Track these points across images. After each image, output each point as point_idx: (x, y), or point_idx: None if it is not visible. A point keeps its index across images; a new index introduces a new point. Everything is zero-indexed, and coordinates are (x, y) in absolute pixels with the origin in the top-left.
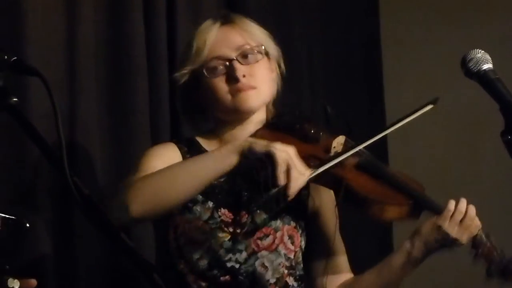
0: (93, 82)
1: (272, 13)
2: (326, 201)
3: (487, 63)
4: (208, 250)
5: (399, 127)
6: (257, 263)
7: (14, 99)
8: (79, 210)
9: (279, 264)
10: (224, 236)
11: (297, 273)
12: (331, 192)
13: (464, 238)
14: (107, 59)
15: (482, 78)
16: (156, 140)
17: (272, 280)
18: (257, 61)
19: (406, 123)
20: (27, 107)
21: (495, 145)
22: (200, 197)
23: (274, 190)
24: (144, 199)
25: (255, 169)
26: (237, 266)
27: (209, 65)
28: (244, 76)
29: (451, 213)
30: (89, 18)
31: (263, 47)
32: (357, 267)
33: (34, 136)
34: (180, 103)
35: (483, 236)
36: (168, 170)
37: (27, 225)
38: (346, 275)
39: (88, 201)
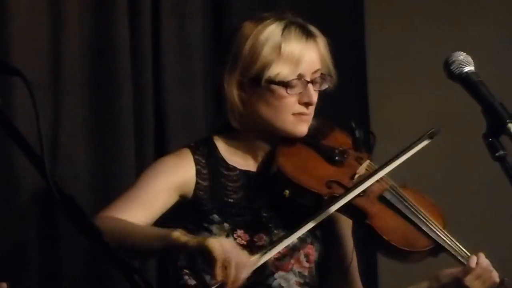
0: (78, 84)
1: (259, 10)
2: (344, 225)
3: (469, 65)
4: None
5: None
6: (274, 283)
7: None
8: (60, 210)
9: (294, 283)
10: None
11: (311, 286)
12: None
13: None
14: (91, 61)
15: (464, 80)
16: (140, 142)
17: None
18: (320, 90)
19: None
20: (11, 108)
21: (478, 147)
22: (217, 217)
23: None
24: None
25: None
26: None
27: (291, 82)
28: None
29: (472, 270)
30: (73, 20)
31: (330, 77)
32: None
33: (16, 136)
34: (230, 105)
35: (500, 286)
36: (121, 231)
37: None
38: None
39: (69, 202)
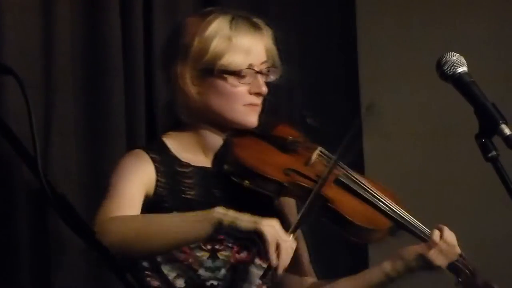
0: (69, 83)
1: (249, 11)
2: (288, 205)
3: (462, 66)
4: (187, 269)
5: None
6: (235, 277)
7: None
8: (52, 209)
9: (255, 276)
10: (203, 255)
11: (270, 282)
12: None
13: (445, 264)
14: (83, 59)
15: (457, 81)
16: (132, 141)
17: None
18: (267, 81)
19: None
20: (2, 106)
21: (470, 147)
22: (177, 214)
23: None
24: (110, 245)
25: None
26: (216, 283)
27: (243, 71)
28: None
29: (436, 244)
30: (65, 18)
31: (277, 69)
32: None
33: (8, 135)
34: (182, 98)
35: (460, 259)
36: (141, 223)
37: None
38: (313, 279)
39: (61, 201)
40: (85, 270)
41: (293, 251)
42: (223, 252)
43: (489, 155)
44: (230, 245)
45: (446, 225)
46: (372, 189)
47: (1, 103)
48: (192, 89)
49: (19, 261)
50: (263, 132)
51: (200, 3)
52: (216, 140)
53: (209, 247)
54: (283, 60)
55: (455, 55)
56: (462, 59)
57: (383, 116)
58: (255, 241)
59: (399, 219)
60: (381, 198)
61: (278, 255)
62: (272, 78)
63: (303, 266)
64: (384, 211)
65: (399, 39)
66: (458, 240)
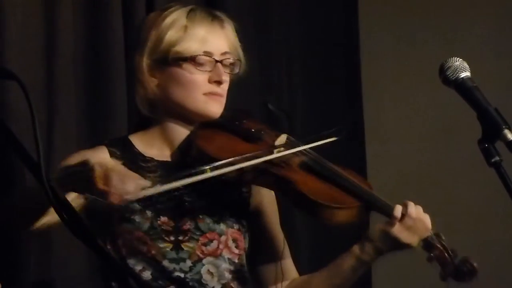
0: (72, 86)
1: (252, 16)
2: (267, 198)
3: (465, 71)
4: (150, 261)
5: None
6: (202, 270)
7: None
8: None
9: (225, 270)
10: (166, 246)
11: (242, 276)
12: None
13: (415, 241)
14: (85, 63)
15: (459, 86)
16: None
17: (218, 286)
18: (231, 73)
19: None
20: (5, 111)
21: (473, 152)
22: (138, 206)
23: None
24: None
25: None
26: (182, 275)
27: (199, 58)
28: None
29: (398, 219)
30: (68, 22)
31: (240, 62)
32: None
33: (10, 139)
34: (142, 91)
35: (434, 237)
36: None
37: None
38: (292, 275)
39: (64, 206)
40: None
41: (132, 183)
42: (187, 244)
43: (492, 160)
44: (195, 237)
45: (450, 231)
46: (339, 171)
47: (4, 108)
48: (150, 81)
49: (22, 264)
50: (227, 124)
51: (202, 4)
52: (182, 133)
53: (172, 238)
54: (245, 53)
55: (458, 60)
56: (465, 64)
57: (385, 122)
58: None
59: (366, 197)
60: (348, 178)
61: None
62: (235, 70)
63: (289, 268)
64: (351, 190)
65: (402, 43)
66: (459, 242)
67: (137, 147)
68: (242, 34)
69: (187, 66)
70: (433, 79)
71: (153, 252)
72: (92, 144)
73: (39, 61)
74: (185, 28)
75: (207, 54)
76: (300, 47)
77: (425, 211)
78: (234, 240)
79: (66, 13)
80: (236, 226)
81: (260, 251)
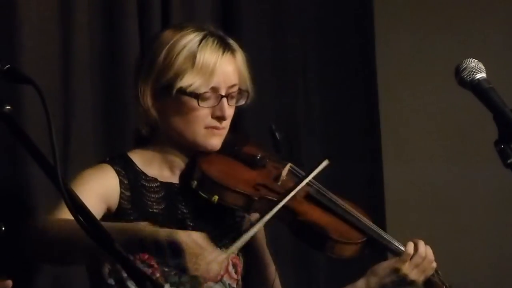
0: (88, 91)
1: (267, 21)
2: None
3: (481, 72)
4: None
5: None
6: None
7: (8, 107)
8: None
9: None
10: (170, 270)
11: None
12: None
13: (421, 279)
14: (101, 67)
15: (475, 87)
16: None
17: None
18: (237, 105)
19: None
20: (21, 115)
21: (489, 153)
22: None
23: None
24: (43, 241)
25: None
26: None
27: (204, 94)
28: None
29: (410, 257)
30: (83, 26)
31: (247, 94)
32: None
33: (27, 144)
34: (143, 113)
35: (435, 274)
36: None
37: (3, 228)
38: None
39: (81, 210)
40: None
41: (221, 267)
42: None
43: (509, 161)
44: None
45: (464, 232)
46: (344, 205)
47: (21, 112)
48: (152, 107)
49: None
50: (231, 149)
51: (218, 9)
52: (181, 157)
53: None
54: (255, 84)
55: (474, 61)
56: (481, 65)
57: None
58: (176, 255)
59: (371, 233)
60: (353, 213)
61: (196, 265)
62: (241, 102)
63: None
64: (356, 225)
65: (417, 45)
66: (478, 260)
67: (138, 165)
68: (252, 38)
69: (190, 101)
70: (449, 81)
71: (157, 275)
72: (108, 149)
73: (55, 65)
74: (194, 57)
75: (213, 89)
76: (316, 51)
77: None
78: (234, 266)
79: (81, 18)
80: (236, 253)
81: (253, 273)
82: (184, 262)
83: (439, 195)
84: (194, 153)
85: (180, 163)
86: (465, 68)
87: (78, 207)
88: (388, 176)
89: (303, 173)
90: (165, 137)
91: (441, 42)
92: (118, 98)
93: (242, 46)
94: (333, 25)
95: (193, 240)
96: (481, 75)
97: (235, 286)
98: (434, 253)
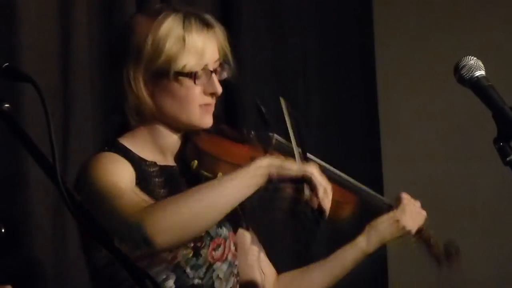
0: (87, 89)
1: (267, 20)
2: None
3: (480, 69)
4: (174, 270)
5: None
6: (214, 275)
7: (7, 105)
8: (71, 217)
9: (230, 274)
10: (188, 252)
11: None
12: None
13: (415, 229)
14: (101, 65)
15: (474, 85)
16: None
17: None
18: (220, 79)
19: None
20: (21, 114)
21: (488, 151)
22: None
23: (316, 214)
24: (170, 231)
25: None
26: (200, 281)
27: (199, 72)
28: None
29: (407, 206)
30: (82, 24)
31: (229, 66)
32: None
33: (26, 142)
34: (134, 101)
35: (424, 226)
36: (191, 195)
37: (2, 230)
38: (275, 274)
39: (80, 209)
40: None
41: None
42: (203, 250)
43: (508, 158)
44: (207, 242)
45: (464, 230)
46: (334, 170)
47: (20, 111)
48: (145, 92)
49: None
50: (217, 129)
51: (217, 9)
52: (172, 139)
53: (192, 244)
54: (234, 57)
55: (473, 59)
56: (480, 63)
57: (400, 121)
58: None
59: (362, 192)
60: (344, 176)
61: (327, 196)
62: (225, 75)
63: (265, 264)
64: (348, 186)
65: (416, 43)
66: (478, 259)
67: (134, 152)
68: (252, 38)
69: (185, 81)
70: (449, 80)
71: (178, 259)
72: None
73: (54, 64)
74: (183, 39)
75: (204, 67)
76: (316, 51)
77: (440, 210)
78: (234, 244)
79: (81, 16)
80: (232, 229)
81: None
82: (316, 195)
83: (438, 194)
84: (185, 135)
85: (170, 145)
86: (464, 66)
87: (77, 205)
88: (388, 176)
89: (287, 142)
90: (153, 120)
91: (440, 42)
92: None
93: (240, 41)
94: (333, 25)
95: (320, 172)
96: (480, 72)
97: (236, 263)
98: None
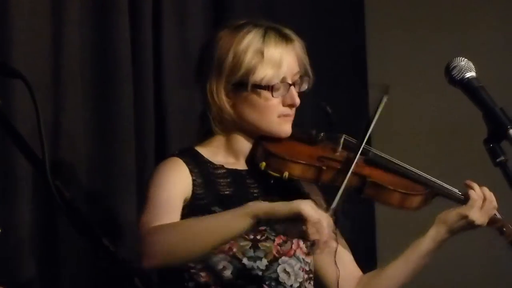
0: (78, 86)
1: (260, 17)
2: (315, 195)
3: (471, 71)
4: (232, 260)
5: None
6: (279, 269)
7: None
8: (61, 213)
9: (300, 269)
10: (246, 244)
11: (312, 276)
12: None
13: (486, 221)
14: (92, 63)
15: (465, 86)
16: (141, 144)
17: (296, 285)
18: (301, 91)
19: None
20: (11, 110)
21: (478, 152)
22: (218, 208)
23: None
24: (156, 255)
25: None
26: (260, 273)
27: (277, 85)
28: None
29: (476, 202)
30: (74, 22)
31: (308, 78)
32: None
33: (16, 138)
34: (217, 112)
35: (497, 213)
36: (182, 228)
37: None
38: (358, 274)
39: (70, 205)
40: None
41: (331, 227)
42: (264, 243)
43: (498, 160)
44: (271, 237)
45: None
46: (402, 164)
47: (10, 107)
48: (226, 103)
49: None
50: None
51: (209, 8)
52: (245, 144)
53: (251, 237)
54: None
55: (464, 60)
56: (471, 64)
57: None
58: (295, 224)
59: (432, 184)
60: (411, 169)
61: (318, 231)
62: (305, 87)
63: (347, 262)
64: (418, 179)
65: (408, 44)
66: (472, 259)
67: (204, 156)
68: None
69: (264, 93)
70: (441, 80)
71: (234, 249)
72: (98, 144)
73: (46, 61)
74: (261, 52)
75: (282, 79)
76: (307, 49)
77: (434, 216)
78: (304, 241)
79: (73, 14)
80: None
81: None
82: (306, 229)
83: None
84: (256, 138)
85: (245, 150)
86: (455, 67)
87: (67, 202)
88: None
89: (356, 141)
90: (234, 128)
91: (433, 42)
92: (108, 93)
93: (301, 35)
94: (324, 26)
95: (313, 207)
96: (471, 74)
97: (309, 261)
98: None
